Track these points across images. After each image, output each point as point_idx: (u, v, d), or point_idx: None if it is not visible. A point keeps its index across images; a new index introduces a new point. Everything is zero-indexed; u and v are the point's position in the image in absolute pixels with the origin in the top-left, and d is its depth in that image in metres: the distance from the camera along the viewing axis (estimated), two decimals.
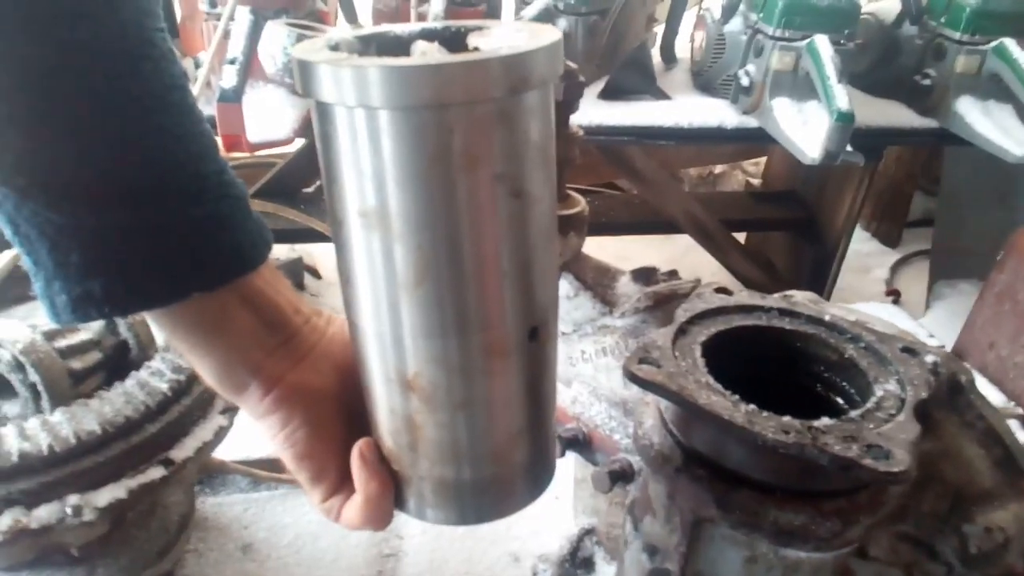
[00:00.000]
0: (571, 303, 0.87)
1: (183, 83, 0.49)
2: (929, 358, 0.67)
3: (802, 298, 0.80)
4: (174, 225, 0.47)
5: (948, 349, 1.91)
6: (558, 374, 0.95)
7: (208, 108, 1.66)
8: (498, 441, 0.51)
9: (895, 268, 3.12)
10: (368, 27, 0.49)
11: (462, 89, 0.39)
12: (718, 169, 3.50)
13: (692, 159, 3.14)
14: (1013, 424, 1.57)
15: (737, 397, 0.60)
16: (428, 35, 0.48)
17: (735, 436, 0.58)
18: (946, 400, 0.69)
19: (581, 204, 0.80)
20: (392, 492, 0.54)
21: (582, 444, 0.85)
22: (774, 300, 0.75)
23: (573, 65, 0.73)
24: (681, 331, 0.69)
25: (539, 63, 0.41)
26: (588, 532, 0.98)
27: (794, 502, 0.60)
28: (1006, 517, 0.63)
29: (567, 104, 0.73)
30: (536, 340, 0.49)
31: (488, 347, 0.47)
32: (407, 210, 0.42)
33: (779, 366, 0.71)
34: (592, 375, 0.91)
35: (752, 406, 0.59)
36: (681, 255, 3.07)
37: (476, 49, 0.46)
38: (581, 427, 0.89)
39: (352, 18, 2.36)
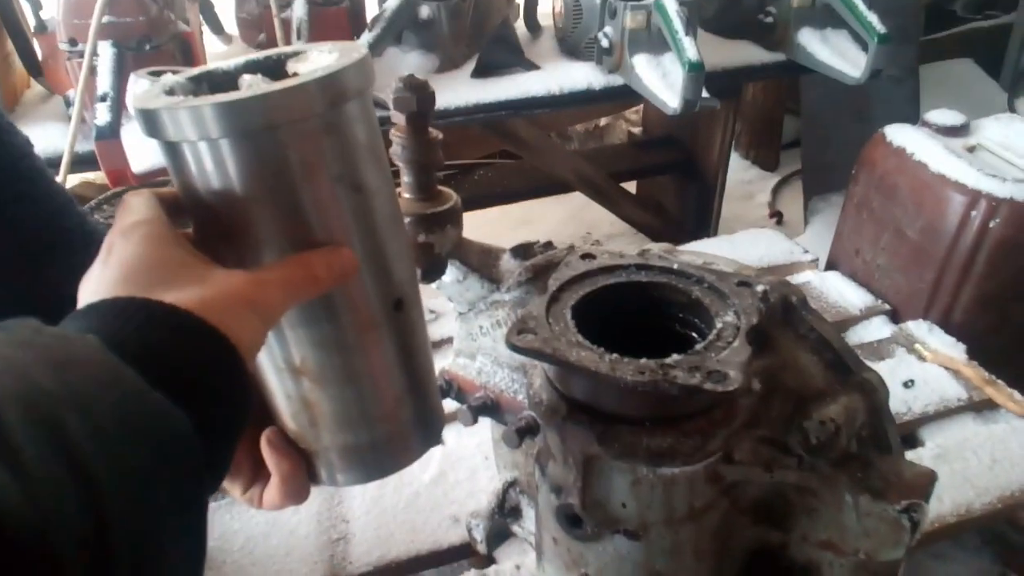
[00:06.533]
0: (462, 286, 0.96)
1: (29, 150, 0.54)
2: (759, 287, 0.79)
3: (657, 250, 0.91)
4: (41, 280, 0.52)
5: (823, 261, 2.10)
6: (462, 349, 1.04)
7: (87, 144, 1.67)
8: (386, 402, 0.58)
9: (776, 190, 3.33)
10: (195, 69, 0.54)
11: (287, 111, 0.46)
12: (603, 121, 3.63)
13: (574, 117, 3.26)
14: (879, 320, 1.76)
15: (603, 349, 0.70)
16: (251, 67, 0.54)
17: (603, 383, 0.69)
18: (781, 319, 0.81)
19: (453, 199, 0.88)
20: (303, 468, 0.58)
21: (491, 408, 0.95)
22: (631, 258, 0.86)
23: (422, 79, 0.80)
24: (554, 299, 0.79)
25: (351, 78, 0.48)
26: (512, 484, 1.09)
27: (661, 428, 0.71)
28: (836, 410, 0.76)
29: (422, 114, 0.81)
30: (401, 310, 0.57)
31: (359, 324, 0.54)
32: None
33: (643, 314, 0.82)
34: (492, 346, 1.01)
35: (615, 355, 0.70)
36: (579, 210, 3.20)
37: (295, 74, 0.52)
38: (488, 394, 0.99)
39: (218, 29, 2.35)
